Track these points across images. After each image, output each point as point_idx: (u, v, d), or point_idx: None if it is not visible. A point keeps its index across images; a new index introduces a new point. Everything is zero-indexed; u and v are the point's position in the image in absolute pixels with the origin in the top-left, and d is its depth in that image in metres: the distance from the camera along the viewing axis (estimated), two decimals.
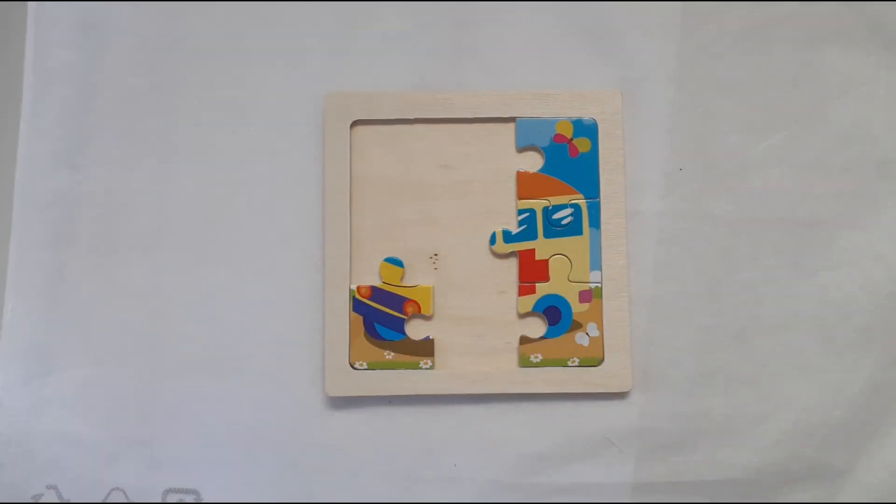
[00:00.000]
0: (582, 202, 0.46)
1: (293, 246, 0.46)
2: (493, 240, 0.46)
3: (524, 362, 0.45)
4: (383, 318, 0.45)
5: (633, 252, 0.46)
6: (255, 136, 0.47)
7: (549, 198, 0.46)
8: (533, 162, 0.46)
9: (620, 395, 0.45)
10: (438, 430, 0.46)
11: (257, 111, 0.47)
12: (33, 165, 0.47)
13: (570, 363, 0.45)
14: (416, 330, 0.46)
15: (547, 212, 0.46)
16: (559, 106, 0.46)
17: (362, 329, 0.45)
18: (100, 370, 0.46)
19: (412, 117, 0.46)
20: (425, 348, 0.45)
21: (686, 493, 0.45)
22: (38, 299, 0.46)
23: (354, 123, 0.46)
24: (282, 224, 0.46)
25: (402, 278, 0.45)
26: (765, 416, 0.45)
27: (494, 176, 0.46)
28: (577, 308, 0.45)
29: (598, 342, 0.45)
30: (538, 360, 0.45)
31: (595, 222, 0.45)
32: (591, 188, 0.46)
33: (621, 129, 0.46)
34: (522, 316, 0.46)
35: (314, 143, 0.47)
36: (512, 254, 0.46)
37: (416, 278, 0.46)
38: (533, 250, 0.46)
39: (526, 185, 0.46)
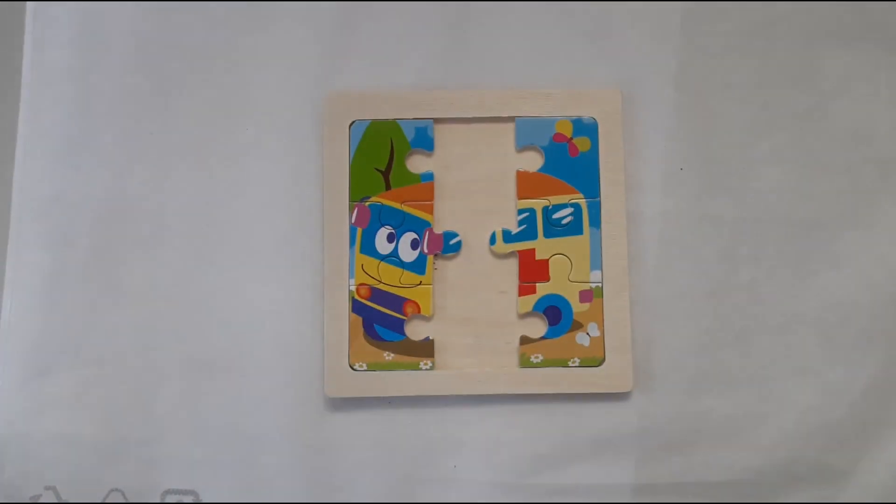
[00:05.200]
0: (582, 202, 0.45)
1: (292, 246, 0.46)
2: (492, 240, 0.46)
3: (524, 363, 0.45)
4: (383, 319, 0.45)
5: (633, 252, 0.46)
6: (254, 136, 0.47)
7: (548, 197, 0.45)
8: (532, 161, 0.46)
9: (621, 396, 0.45)
10: (438, 431, 0.46)
11: (256, 111, 0.47)
12: (32, 165, 0.47)
13: (570, 363, 0.45)
14: (415, 331, 0.45)
15: (547, 211, 0.45)
16: (559, 105, 0.46)
17: (362, 330, 0.45)
18: (99, 371, 0.46)
19: (411, 117, 0.46)
20: (425, 349, 0.45)
21: (686, 494, 0.45)
22: (36, 299, 0.46)
23: (353, 123, 0.46)
24: (281, 224, 0.46)
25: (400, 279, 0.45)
26: (765, 417, 0.45)
27: (494, 175, 0.46)
28: (578, 308, 0.45)
29: (599, 342, 0.45)
30: (539, 360, 0.45)
31: (595, 222, 0.45)
32: (591, 188, 0.46)
33: (621, 129, 0.46)
34: (523, 316, 0.45)
35: (313, 143, 0.47)
36: (512, 254, 0.46)
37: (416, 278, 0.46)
38: (533, 250, 0.45)
39: (525, 184, 0.46)
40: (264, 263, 0.46)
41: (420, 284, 0.45)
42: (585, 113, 0.46)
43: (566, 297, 0.45)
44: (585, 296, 0.45)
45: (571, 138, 0.46)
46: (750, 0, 0.47)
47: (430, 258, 0.45)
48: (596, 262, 0.45)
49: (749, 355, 0.46)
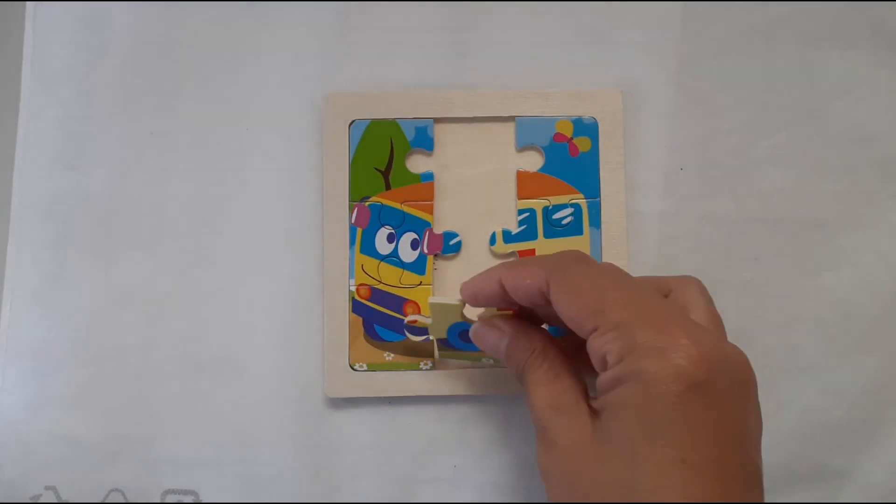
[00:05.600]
0: (582, 202, 0.45)
1: (292, 246, 0.46)
2: (492, 240, 0.46)
3: None
4: (383, 319, 0.45)
5: (633, 252, 0.46)
6: (254, 136, 0.47)
7: (549, 197, 0.46)
8: (533, 161, 0.46)
9: None
10: (438, 431, 0.46)
11: (256, 111, 0.47)
12: (32, 165, 0.47)
13: None
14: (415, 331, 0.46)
15: (547, 212, 0.45)
16: (559, 105, 0.46)
17: (362, 330, 0.45)
18: (99, 370, 0.46)
19: (411, 117, 0.46)
20: (425, 349, 0.45)
21: None
22: (36, 299, 0.46)
23: (353, 123, 0.46)
24: (281, 224, 0.46)
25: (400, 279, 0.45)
26: (766, 417, 0.45)
27: (494, 176, 0.46)
28: None
29: None
30: None
31: (595, 222, 0.45)
32: (591, 188, 0.46)
33: (621, 129, 0.46)
34: None
35: (313, 143, 0.47)
36: (512, 254, 0.46)
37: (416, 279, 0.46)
38: (533, 250, 0.45)
39: (526, 184, 0.46)
40: (264, 263, 0.46)
41: (420, 285, 0.45)
42: (585, 113, 0.46)
43: None
44: None
45: (572, 138, 0.46)
46: (750, 0, 0.47)
47: (430, 258, 0.45)
48: None
49: (749, 355, 0.45)
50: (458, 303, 0.39)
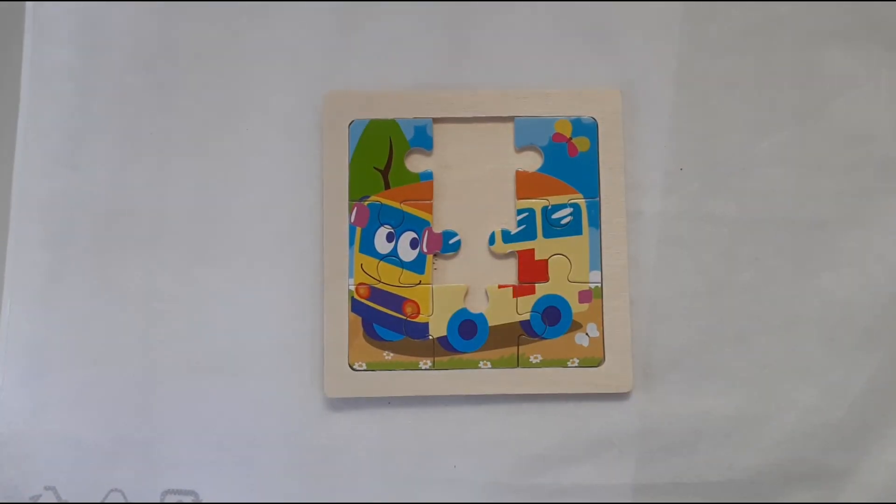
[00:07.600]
0: (581, 202, 0.45)
1: (292, 246, 0.46)
2: (492, 240, 0.46)
3: (524, 363, 0.45)
4: (382, 319, 0.45)
5: (633, 252, 0.46)
6: (254, 136, 0.47)
7: (548, 197, 0.45)
8: (532, 161, 0.46)
9: (621, 396, 0.45)
10: (438, 431, 0.46)
11: (256, 110, 0.47)
12: (31, 165, 0.47)
13: (569, 364, 0.45)
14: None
15: (546, 211, 0.45)
16: (558, 105, 0.46)
17: (361, 330, 0.45)
18: (98, 371, 0.46)
19: (411, 117, 0.46)
20: (425, 348, 0.45)
21: (687, 494, 0.45)
22: (36, 299, 0.46)
23: (353, 122, 0.46)
24: (280, 224, 0.46)
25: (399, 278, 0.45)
26: (766, 417, 0.45)
27: (493, 175, 0.46)
28: (577, 308, 0.45)
29: (598, 342, 0.45)
30: (538, 360, 0.45)
31: (595, 222, 0.45)
32: (590, 188, 0.46)
33: (621, 129, 0.46)
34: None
35: (313, 143, 0.47)
36: (511, 254, 0.46)
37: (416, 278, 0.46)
38: (532, 250, 0.45)
39: (525, 184, 0.46)
40: (264, 263, 0.46)
41: (419, 284, 0.45)
42: (585, 113, 0.46)
43: (565, 297, 0.45)
44: (585, 296, 0.45)
45: (571, 138, 0.46)
46: (750, 0, 0.47)
47: (429, 257, 0.45)
48: (595, 262, 0.45)
49: (749, 355, 0.46)
50: (462, 285, 0.43)
